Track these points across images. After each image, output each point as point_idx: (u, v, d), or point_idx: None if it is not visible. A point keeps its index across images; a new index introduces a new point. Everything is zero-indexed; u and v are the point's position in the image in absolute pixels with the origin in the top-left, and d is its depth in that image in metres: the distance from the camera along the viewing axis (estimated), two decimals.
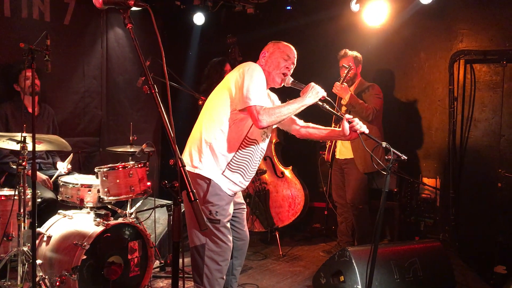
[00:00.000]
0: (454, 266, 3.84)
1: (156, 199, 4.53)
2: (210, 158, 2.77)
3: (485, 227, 4.55)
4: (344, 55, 4.62)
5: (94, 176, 3.79)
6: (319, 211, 5.69)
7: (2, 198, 3.26)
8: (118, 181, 3.65)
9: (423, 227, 5.00)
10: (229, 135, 2.77)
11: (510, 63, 4.48)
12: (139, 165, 3.78)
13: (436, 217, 4.92)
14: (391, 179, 4.99)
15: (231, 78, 2.81)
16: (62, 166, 4.22)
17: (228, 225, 2.84)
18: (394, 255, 3.57)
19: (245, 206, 3.13)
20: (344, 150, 4.69)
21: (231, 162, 2.79)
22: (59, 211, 3.71)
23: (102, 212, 3.55)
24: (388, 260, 3.50)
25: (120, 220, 3.60)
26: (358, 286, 3.35)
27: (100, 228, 3.33)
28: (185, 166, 1.81)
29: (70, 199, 3.71)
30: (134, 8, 1.93)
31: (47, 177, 4.14)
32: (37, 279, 3.13)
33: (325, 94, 2.79)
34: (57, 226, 3.55)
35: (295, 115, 2.88)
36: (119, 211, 3.96)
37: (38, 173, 4.00)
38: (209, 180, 2.75)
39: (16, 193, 3.14)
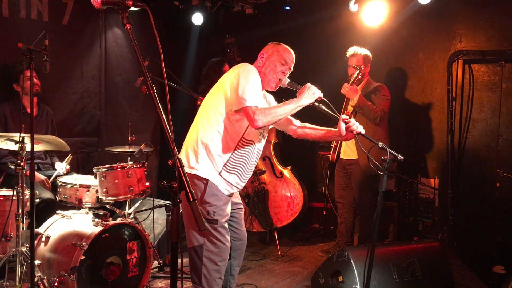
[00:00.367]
0: (452, 266, 3.84)
1: (154, 199, 4.52)
2: (206, 159, 2.77)
3: (484, 227, 4.56)
4: (354, 54, 4.55)
5: (92, 177, 3.79)
6: (318, 211, 5.70)
7: (1, 198, 3.26)
8: (116, 181, 3.65)
9: (421, 227, 5.00)
10: (225, 136, 2.77)
11: (508, 63, 4.49)
12: (138, 166, 3.78)
13: (435, 217, 4.93)
14: (390, 179, 5.00)
15: (226, 79, 2.81)
16: (61, 167, 4.22)
17: (226, 225, 2.84)
18: (392, 255, 3.58)
19: (242, 206, 3.13)
20: (348, 151, 4.67)
21: (227, 163, 2.79)
22: (57, 212, 3.70)
23: (101, 212, 3.54)
24: (386, 260, 3.50)
25: (118, 220, 3.59)
26: (356, 286, 3.35)
27: (99, 229, 3.33)
28: (183, 166, 1.81)
29: (68, 199, 3.71)
30: (132, 8, 1.93)
31: (45, 177, 4.13)
32: (36, 279, 3.12)
33: (321, 94, 2.79)
34: (56, 227, 3.54)
35: (292, 115, 2.89)
36: (117, 211, 3.95)
37: (36, 173, 3.99)
38: (206, 180, 2.75)
39: (15, 193, 3.13)
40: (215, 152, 2.77)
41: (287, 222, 5.23)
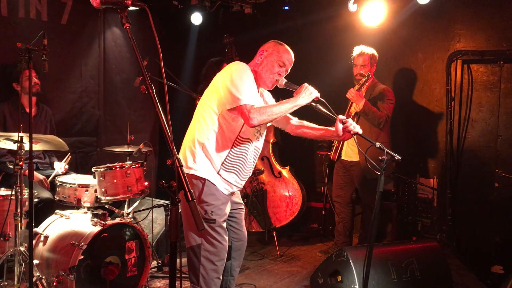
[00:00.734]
0: (451, 266, 3.84)
1: (153, 199, 4.51)
2: (204, 159, 2.77)
3: (482, 227, 4.56)
4: (361, 54, 4.51)
5: (91, 176, 3.79)
6: (317, 211, 5.70)
7: None
8: (115, 181, 3.65)
9: (420, 227, 5.01)
10: (221, 135, 2.77)
11: (507, 63, 4.50)
12: (137, 165, 3.78)
13: (433, 217, 4.93)
14: (389, 183, 5.00)
15: (219, 79, 2.81)
16: (59, 166, 4.21)
17: (224, 225, 2.84)
18: (391, 255, 3.58)
19: (243, 207, 3.12)
20: (350, 152, 4.66)
21: (225, 162, 2.79)
22: (56, 211, 3.70)
23: (99, 212, 3.54)
24: (385, 260, 3.50)
25: (117, 220, 3.59)
26: (355, 286, 3.35)
27: (97, 228, 3.33)
28: (182, 166, 1.81)
29: (67, 199, 3.70)
30: (131, 8, 1.93)
31: (44, 177, 4.13)
32: (34, 279, 3.12)
33: (318, 95, 2.79)
34: (54, 226, 3.54)
35: (290, 113, 2.89)
36: (116, 211, 3.95)
37: (35, 173, 3.99)
38: (204, 180, 2.75)
39: (13, 193, 3.13)
40: (212, 151, 2.77)
41: (285, 222, 5.23)
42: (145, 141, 4.09)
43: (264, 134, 3.00)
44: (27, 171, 2.99)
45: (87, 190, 3.69)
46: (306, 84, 2.81)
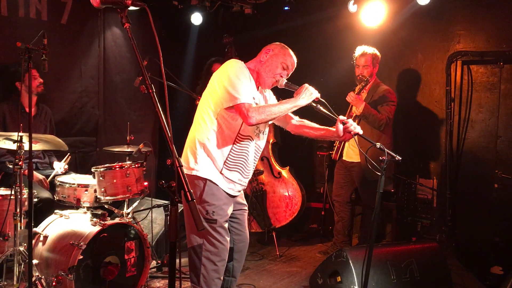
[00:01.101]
0: (450, 267, 3.84)
1: (153, 199, 4.52)
2: (206, 159, 2.77)
3: (482, 228, 4.56)
4: (363, 54, 4.50)
5: (91, 176, 3.78)
6: (316, 212, 5.70)
7: None
8: (115, 181, 3.64)
9: (420, 228, 5.01)
10: (221, 133, 2.77)
11: (507, 64, 4.50)
12: (136, 165, 3.78)
13: (433, 218, 4.93)
14: (389, 184, 5.00)
15: (216, 78, 2.82)
16: (59, 166, 4.21)
17: (226, 225, 2.84)
18: (391, 255, 3.58)
19: (246, 208, 3.11)
20: (351, 153, 4.66)
21: (227, 161, 2.79)
22: (55, 211, 3.70)
23: (99, 212, 3.54)
24: (385, 260, 3.50)
25: (117, 220, 3.60)
26: (355, 287, 3.35)
27: (97, 228, 3.33)
28: (182, 166, 1.80)
29: (66, 199, 3.70)
30: (131, 8, 1.93)
31: (43, 176, 4.13)
32: (33, 279, 3.12)
33: (318, 95, 2.79)
34: (54, 226, 3.54)
35: (292, 112, 2.89)
36: (116, 211, 3.95)
37: (34, 172, 3.99)
38: (206, 180, 2.75)
39: (13, 192, 3.13)
40: (213, 151, 2.77)
41: (285, 223, 5.23)
42: (144, 141, 4.09)
43: (266, 133, 3.00)
44: (26, 171, 2.99)
45: (86, 190, 3.69)
46: (306, 85, 2.81)
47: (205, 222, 2.74)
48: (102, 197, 3.64)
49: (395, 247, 3.79)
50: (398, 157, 2.72)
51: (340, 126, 2.81)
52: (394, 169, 4.80)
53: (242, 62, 2.85)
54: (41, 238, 3.47)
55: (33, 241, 3.33)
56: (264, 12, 5.75)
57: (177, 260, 1.87)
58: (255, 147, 2.91)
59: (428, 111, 5.02)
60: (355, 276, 3.36)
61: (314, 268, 3.94)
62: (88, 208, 3.69)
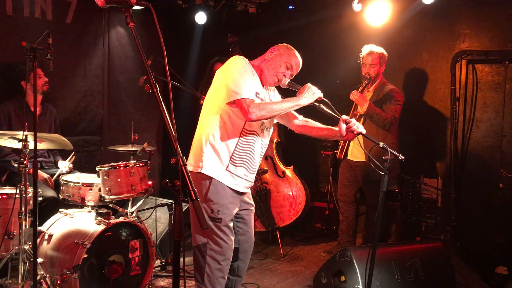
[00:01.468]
0: (455, 267, 3.83)
1: (157, 198, 4.53)
2: (212, 156, 2.78)
3: (487, 228, 4.54)
4: (370, 53, 4.49)
5: (95, 175, 3.80)
6: (320, 211, 5.69)
7: (4, 196, 3.27)
8: (119, 180, 3.65)
9: (424, 228, 4.99)
10: (226, 129, 2.78)
11: None
12: (141, 164, 3.78)
13: (437, 218, 4.91)
14: (394, 180, 4.98)
15: (219, 75, 2.84)
16: (64, 165, 4.23)
17: (231, 224, 2.84)
18: (395, 255, 3.57)
19: (253, 208, 3.10)
20: (356, 152, 4.65)
21: (233, 156, 2.79)
22: (60, 210, 3.71)
23: (103, 211, 3.54)
24: (389, 260, 3.49)
25: (121, 219, 3.61)
26: (359, 286, 3.34)
27: (101, 227, 3.34)
28: (186, 165, 1.81)
29: (71, 197, 3.71)
30: (136, 7, 1.93)
31: (48, 175, 4.14)
32: (38, 277, 3.14)
33: (321, 95, 2.79)
34: (58, 225, 3.55)
35: (295, 110, 2.89)
36: (120, 210, 3.96)
37: (39, 171, 4.00)
38: (211, 178, 2.76)
39: (18, 191, 3.14)
40: (219, 146, 2.77)
41: (289, 222, 5.22)
42: (149, 140, 4.09)
43: (271, 130, 3.00)
44: (31, 170, 3.00)
45: (91, 189, 3.70)
46: (309, 84, 2.82)
47: (210, 221, 2.74)
48: (106, 196, 3.65)
49: (399, 247, 3.78)
50: (401, 157, 2.72)
51: (343, 126, 2.81)
52: (400, 169, 4.78)
53: (245, 58, 2.86)
54: (46, 237, 3.48)
55: (38, 240, 3.33)
56: (268, 11, 5.75)
57: (181, 259, 1.87)
58: (260, 143, 2.91)
59: (433, 111, 5.00)
60: (359, 275, 3.36)
61: (318, 268, 3.94)
62: (92, 207, 3.70)
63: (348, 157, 4.73)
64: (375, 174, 4.25)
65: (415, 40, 5.10)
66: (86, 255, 3.20)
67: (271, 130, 3.02)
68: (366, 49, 4.55)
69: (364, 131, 2.82)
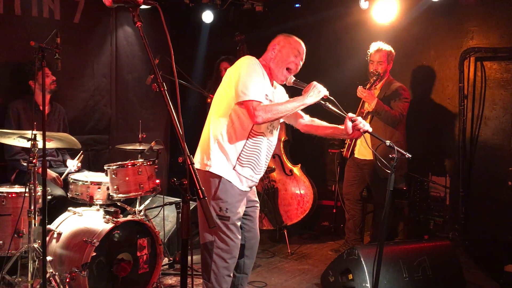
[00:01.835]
0: (463, 265, 3.81)
1: (165, 196, 4.55)
2: (219, 155, 2.78)
3: (495, 226, 4.51)
4: (378, 50, 4.47)
5: (103, 174, 3.81)
6: (328, 209, 5.68)
7: (13, 195, 3.29)
8: (127, 178, 3.67)
9: (432, 226, 4.97)
10: (235, 130, 2.78)
11: None
12: (148, 163, 3.80)
13: (446, 216, 4.89)
14: (402, 178, 4.96)
15: (229, 74, 2.84)
16: (72, 164, 4.25)
17: (238, 223, 2.85)
18: (403, 253, 3.56)
19: (258, 204, 3.12)
20: (363, 150, 4.63)
21: (240, 157, 2.79)
22: (69, 208, 3.74)
23: (112, 209, 3.57)
24: (397, 258, 3.48)
25: (129, 217, 3.62)
26: (366, 285, 3.34)
27: (110, 225, 3.35)
28: (193, 163, 1.81)
29: (80, 196, 3.73)
30: (143, 6, 1.94)
31: (57, 174, 4.17)
32: (48, 275, 3.16)
33: (327, 93, 2.78)
34: (67, 223, 3.58)
35: (302, 109, 2.89)
36: (128, 208, 3.98)
37: (48, 170, 4.03)
38: (220, 177, 2.76)
39: (27, 190, 3.17)
40: (227, 146, 2.78)
41: (296, 220, 5.22)
42: (156, 139, 4.11)
43: (278, 129, 3.00)
44: (40, 169, 3.02)
45: (99, 188, 3.73)
46: (314, 83, 2.81)
47: (218, 219, 2.75)
48: (114, 195, 3.67)
49: (407, 245, 3.77)
50: (408, 155, 2.70)
51: (349, 124, 2.80)
52: (407, 167, 4.76)
53: (255, 58, 2.86)
54: (55, 235, 3.51)
55: (47, 238, 3.36)
56: (275, 10, 5.75)
57: (189, 257, 1.88)
58: (268, 144, 2.91)
59: (441, 108, 4.98)
60: (366, 274, 3.35)
61: (325, 266, 3.93)
62: (101, 205, 3.73)
63: (355, 156, 4.72)
64: (382, 173, 4.26)
65: (422, 38, 5.07)
66: (94, 253, 3.22)
67: (278, 128, 3.02)
68: (374, 46, 4.53)
69: (370, 129, 2.81)
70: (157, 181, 3.85)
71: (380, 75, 4.46)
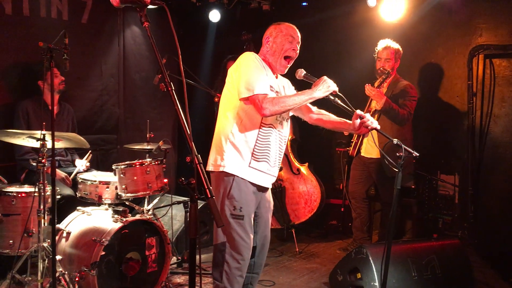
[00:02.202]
0: (473, 264, 3.79)
1: (173, 196, 4.55)
2: (233, 154, 2.78)
3: (505, 225, 4.48)
4: (386, 47, 4.47)
5: (112, 173, 3.83)
6: (336, 208, 5.67)
7: (23, 195, 3.32)
8: (135, 178, 3.68)
9: (441, 224, 4.94)
10: (245, 126, 2.78)
11: None
12: (156, 162, 3.81)
13: (455, 214, 4.86)
14: (410, 177, 4.94)
15: (232, 72, 2.85)
16: (81, 163, 4.27)
17: (252, 222, 2.84)
18: (411, 252, 3.54)
19: (272, 206, 3.11)
20: (369, 148, 4.62)
21: (254, 152, 2.79)
22: (78, 208, 3.76)
23: (120, 208, 3.58)
24: (405, 257, 3.47)
25: (137, 216, 3.64)
26: (375, 283, 3.33)
27: (118, 225, 3.37)
28: (201, 163, 1.82)
29: (88, 195, 3.75)
30: (150, 6, 1.95)
31: (66, 174, 4.20)
32: (57, 274, 3.17)
33: (336, 89, 2.77)
34: (76, 223, 3.60)
35: (310, 102, 2.89)
36: (136, 207, 4.00)
37: (57, 170, 4.05)
38: (234, 176, 2.76)
39: (36, 190, 3.19)
40: (239, 144, 2.78)
41: (304, 219, 5.21)
42: (164, 139, 4.12)
43: (288, 120, 3.00)
44: (49, 169, 3.04)
45: (108, 187, 3.74)
46: (325, 77, 2.80)
47: (232, 218, 2.75)
48: (123, 194, 3.68)
49: (416, 244, 3.75)
50: (416, 153, 2.69)
51: (357, 121, 2.80)
52: (414, 165, 4.73)
53: (254, 53, 2.87)
54: (64, 234, 3.53)
55: (57, 237, 3.39)
56: (282, 8, 5.74)
57: (197, 256, 1.88)
58: (279, 135, 2.90)
59: (449, 106, 4.94)
60: (375, 272, 3.34)
61: (333, 265, 3.93)
62: (109, 204, 3.74)
63: (362, 154, 4.71)
64: (390, 171, 4.25)
65: (431, 35, 5.03)
66: (103, 253, 3.24)
67: (289, 120, 3.01)
68: (382, 44, 4.52)
69: (378, 127, 2.81)
70: (165, 180, 3.86)
71: (391, 73, 4.44)
